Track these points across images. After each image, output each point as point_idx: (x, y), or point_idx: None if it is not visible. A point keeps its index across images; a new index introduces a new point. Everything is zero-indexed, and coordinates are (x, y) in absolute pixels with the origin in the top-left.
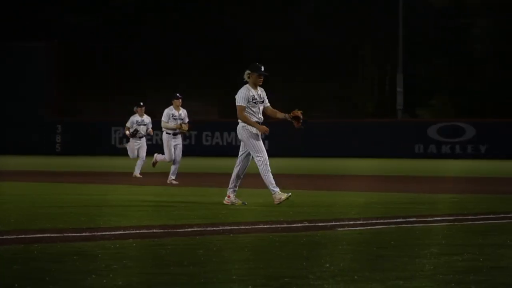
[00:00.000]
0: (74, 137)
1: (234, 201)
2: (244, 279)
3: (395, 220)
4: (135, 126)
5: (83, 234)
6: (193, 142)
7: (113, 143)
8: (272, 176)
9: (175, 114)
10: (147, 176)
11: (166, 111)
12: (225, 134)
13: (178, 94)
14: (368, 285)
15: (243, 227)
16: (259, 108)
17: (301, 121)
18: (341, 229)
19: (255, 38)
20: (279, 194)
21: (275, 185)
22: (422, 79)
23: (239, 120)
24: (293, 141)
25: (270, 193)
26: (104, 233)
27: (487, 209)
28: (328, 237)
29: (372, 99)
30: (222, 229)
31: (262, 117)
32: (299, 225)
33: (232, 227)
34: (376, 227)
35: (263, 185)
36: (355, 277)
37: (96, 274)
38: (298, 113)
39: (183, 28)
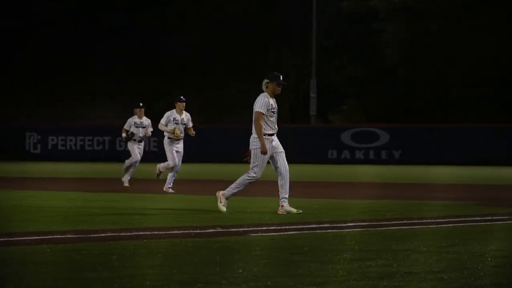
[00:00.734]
0: None
1: (288, 210)
2: (158, 284)
3: (308, 226)
4: (132, 128)
5: None
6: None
7: (27, 148)
8: (237, 192)
9: (176, 118)
10: (64, 182)
11: (166, 114)
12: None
13: (182, 97)
14: None
15: (156, 232)
16: (276, 119)
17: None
18: (254, 234)
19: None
20: (223, 207)
21: (229, 197)
22: (333, 85)
23: (252, 131)
24: (209, 147)
25: (190, 199)
26: (15, 238)
27: (401, 214)
28: (241, 242)
29: (285, 105)
30: (136, 234)
31: (277, 128)
32: (212, 230)
33: (146, 232)
34: (289, 232)
35: (192, 190)
36: (268, 282)
37: (8, 279)
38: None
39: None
